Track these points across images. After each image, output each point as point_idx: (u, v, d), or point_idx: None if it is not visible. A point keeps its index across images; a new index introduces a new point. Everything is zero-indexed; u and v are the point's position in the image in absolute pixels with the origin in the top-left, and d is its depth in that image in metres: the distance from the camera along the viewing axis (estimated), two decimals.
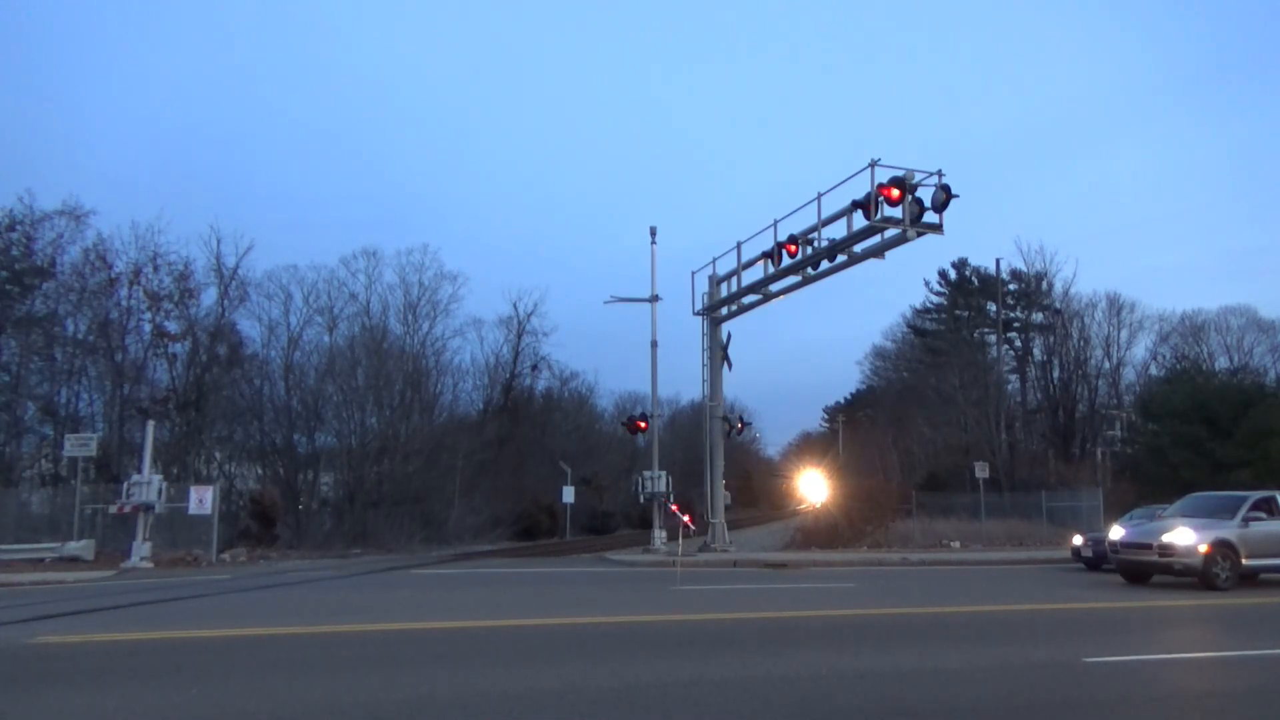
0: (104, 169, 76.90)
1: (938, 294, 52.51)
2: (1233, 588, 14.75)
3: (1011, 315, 47.35)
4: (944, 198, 17.10)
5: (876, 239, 18.93)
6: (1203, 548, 14.85)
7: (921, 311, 53.57)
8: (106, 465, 28.69)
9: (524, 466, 47.45)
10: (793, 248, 20.81)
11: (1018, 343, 48.21)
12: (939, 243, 18.82)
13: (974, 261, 49.81)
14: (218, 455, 35.14)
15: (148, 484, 21.68)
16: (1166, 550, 15.17)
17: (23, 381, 30.99)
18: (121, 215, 53.70)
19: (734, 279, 24.33)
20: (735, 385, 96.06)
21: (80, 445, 23.84)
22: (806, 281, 21.88)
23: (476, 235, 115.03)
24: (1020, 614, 11.93)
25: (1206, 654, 8.86)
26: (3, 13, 77.27)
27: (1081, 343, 44.69)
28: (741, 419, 27.72)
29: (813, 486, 59.21)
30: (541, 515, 44.10)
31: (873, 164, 18.10)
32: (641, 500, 27.07)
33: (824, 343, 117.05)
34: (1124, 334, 44.96)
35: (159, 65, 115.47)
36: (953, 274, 50.94)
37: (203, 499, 23.15)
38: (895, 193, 17.50)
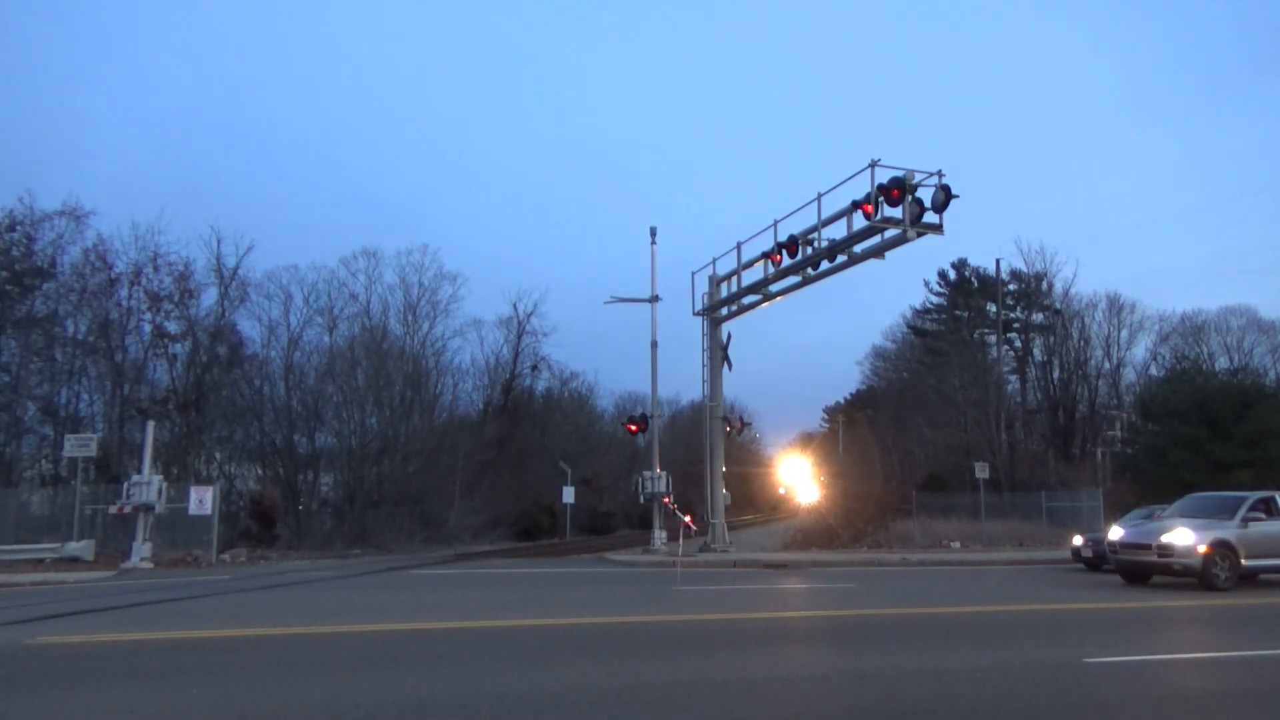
0: (104, 169, 76.89)
1: (938, 294, 52.50)
2: (1232, 588, 14.74)
3: (1011, 315, 47.30)
4: (944, 198, 17.10)
5: (876, 239, 18.94)
6: (1202, 548, 14.84)
7: (921, 312, 53.54)
8: (106, 465, 28.68)
9: (524, 467, 47.45)
10: (793, 248, 20.80)
11: (1018, 343, 48.17)
12: (939, 243, 18.84)
13: (974, 262, 49.81)
14: (218, 456, 35.12)
15: (148, 484, 21.68)
16: (1166, 551, 15.16)
17: (23, 382, 30.97)
18: (121, 215, 53.82)
19: (734, 279, 24.33)
20: (735, 385, 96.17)
21: (80, 446, 23.83)
22: (806, 282, 21.88)
23: (476, 236, 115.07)
24: (1020, 614, 11.93)
25: (1206, 654, 8.87)
26: (3, 13, 77.31)
27: (1081, 343, 44.68)
28: (741, 419, 27.74)
29: (801, 478, 59.24)
30: (541, 515, 44.10)
31: (873, 164, 18.10)
32: (641, 500, 27.05)
33: (824, 343, 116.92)
34: (1124, 334, 44.96)
35: (159, 66, 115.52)
36: (952, 274, 50.92)
37: (203, 499, 23.15)
38: (895, 193, 17.52)
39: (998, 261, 45.23)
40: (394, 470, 35.24)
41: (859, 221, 18.87)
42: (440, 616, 10.93)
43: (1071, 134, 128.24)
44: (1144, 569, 15.96)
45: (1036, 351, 47.10)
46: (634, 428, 28.07)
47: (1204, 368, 42.79)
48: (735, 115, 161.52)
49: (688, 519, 22.26)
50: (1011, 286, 47.60)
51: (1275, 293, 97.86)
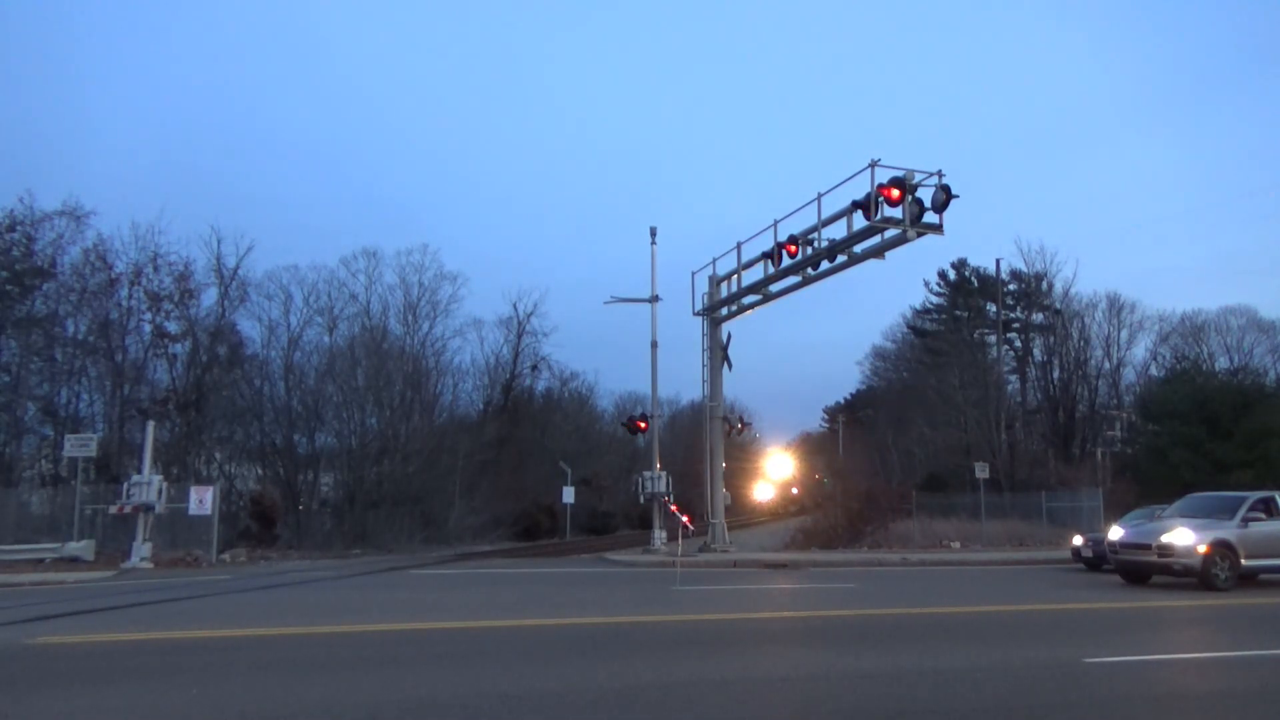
0: (104, 169, 76.94)
1: (937, 294, 52.48)
2: (1232, 588, 14.74)
3: (1011, 315, 47.29)
4: (944, 198, 17.07)
5: (876, 239, 18.91)
6: (1202, 548, 14.84)
7: (921, 312, 53.53)
8: (106, 465, 28.67)
9: (524, 467, 47.44)
10: (793, 248, 20.79)
11: (1018, 343, 48.16)
12: (939, 243, 18.83)
13: (974, 262, 49.80)
14: (218, 455, 35.12)
15: (148, 484, 21.67)
16: (1166, 551, 15.16)
17: (23, 382, 30.96)
18: (121, 215, 53.80)
19: (734, 279, 24.31)
20: (735, 385, 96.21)
21: (80, 445, 23.81)
22: (806, 282, 21.87)
23: (476, 236, 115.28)
24: (1020, 614, 11.93)
25: (1206, 654, 8.87)
26: (4, 13, 77.33)
27: (1081, 343, 44.67)
28: (741, 419, 27.72)
29: (785, 475, 60.28)
30: (541, 515, 44.09)
31: (873, 164, 18.08)
32: (641, 500, 27.04)
33: (824, 343, 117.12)
34: (1124, 334, 44.95)
35: (159, 66, 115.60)
36: (952, 274, 50.90)
37: (203, 499, 23.14)
38: (895, 193, 17.46)
39: (998, 261, 45.27)
40: (394, 470, 35.22)
41: (859, 221, 18.84)
42: (440, 616, 10.93)
43: (1071, 134, 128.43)
44: (1144, 569, 15.95)
45: (1036, 351, 47.12)
46: (634, 428, 28.05)
47: (1204, 368, 42.78)
48: (735, 115, 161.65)
49: (686, 519, 22.24)
50: (1011, 286, 47.59)
51: (1275, 293, 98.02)
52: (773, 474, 63.51)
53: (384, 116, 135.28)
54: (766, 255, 21.97)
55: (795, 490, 75.66)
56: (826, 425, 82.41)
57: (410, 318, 42.64)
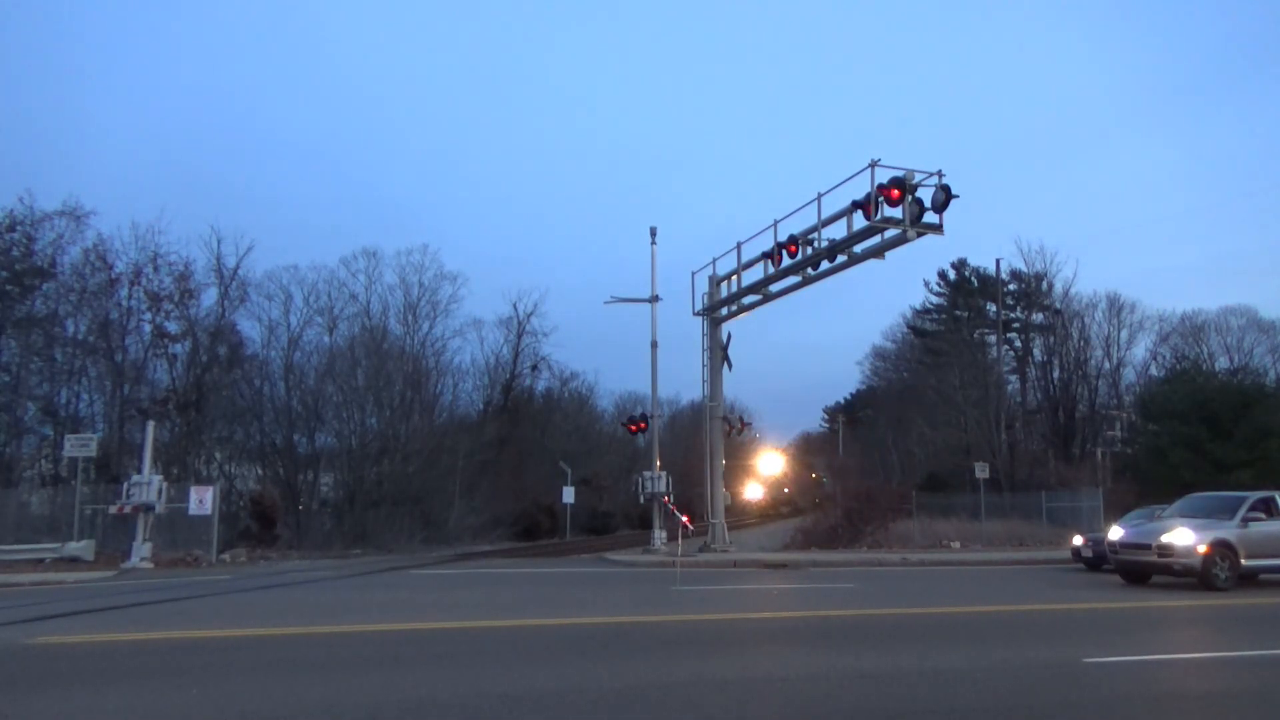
0: (104, 169, 76.95)
1: (937, 294, 52.50)
2: (1232, 588, 14.74)
3: (1011, 315, 47.28)
4: (944, 198, 17.08)
5: (876, 239, 18.92)
6: (1202, 548, 14.84)
7: (921, 312, 53.55)
8: (106, 465, 28.67)
9: (524, 467, 47.44)
10: (793, 248, 20.79)
11: (1017, 343, 48.16)
12: (939, 243, 18.84)
13: (974, 262, 49.82)
14: (218, 455, 35.12)
15: (148, 484, 21.67)
16: (1166, 551, 15.16)
17: (23, 382, 30.95)
18: (122, 215, 53.86)
19: (734, 279, 24.32)
20: (735, 385, 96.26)
21: (80, 445, 23.81)
22: (806, 282, 21.87)
23: (476, 236, 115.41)
24: (1020, 614, 11.92)
25: (1206, 654, 8.86)
26: (4, 13, 77.34)
27: (1081, 343, 44.65)
28: (741, 419, 27.72)
29: (769, 466, 60.99)
30: (541, 515, 44.08)
31: (873, 164, 18.08)
32: (641, 500, 27.04)
33: (824, 343, 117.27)
34: (1124, 334, 44.93)
35: (160, 66, 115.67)
36: (952, 274, 50.91)
37: (203, 499, 23.14)
38: (895, 193, 17.47)
39: (998, 261, 45.28)
40: (394, 470, 35.22)
41: (859, 221, 18.85)
42: (440, 616, 10.93)
43: (1071, 135, 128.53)
44: (1144, 569, 15.95)
45: (1036, 351, 47.12)
46: (634, 427, 28.05)
47: (1204, 368, 42.75)
48: (735, 115, 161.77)
49: (685, 519, 22.25)
50: (1011, 286, 47.59)
51: (1275, 293, 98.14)
52: (763, 472, 63.66)
53: (384, 116, 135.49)
54: (766, 255, 21.97)
55: (786, 490, 75.67)
56: (826, 425, 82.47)
57: (410, 318, 42.68)
